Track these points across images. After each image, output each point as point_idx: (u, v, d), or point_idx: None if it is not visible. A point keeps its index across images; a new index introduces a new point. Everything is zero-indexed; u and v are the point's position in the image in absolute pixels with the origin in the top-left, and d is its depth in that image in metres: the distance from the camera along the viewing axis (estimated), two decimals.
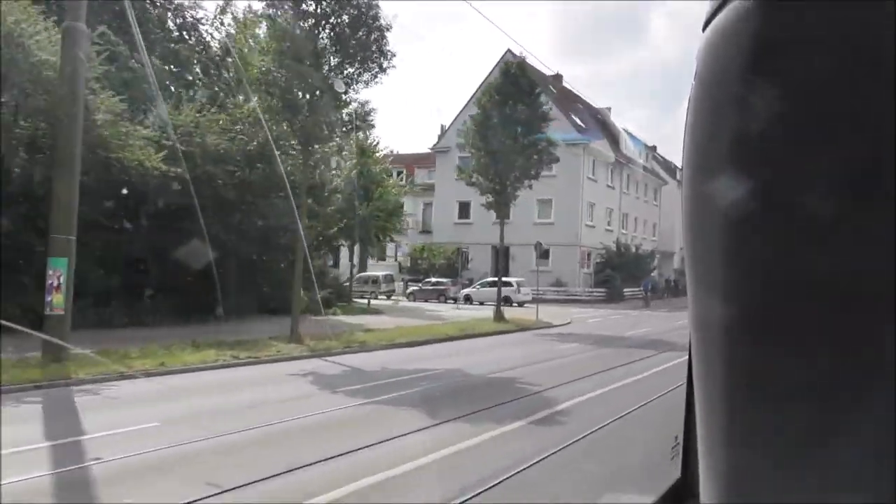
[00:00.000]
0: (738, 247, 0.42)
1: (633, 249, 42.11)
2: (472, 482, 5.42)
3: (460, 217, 42.66)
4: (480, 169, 21.83)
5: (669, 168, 60.89)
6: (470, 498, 5.07)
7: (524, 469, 5.80)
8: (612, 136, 47.19)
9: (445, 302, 34.90)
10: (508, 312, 24.14)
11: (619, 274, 40.35)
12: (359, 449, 6.47)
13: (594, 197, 41.29)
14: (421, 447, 6.50)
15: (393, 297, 37.48)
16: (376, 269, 39.84)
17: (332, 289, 29.99)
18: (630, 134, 50.53)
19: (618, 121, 62.06)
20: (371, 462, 6.07)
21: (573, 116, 41.55)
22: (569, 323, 23.44)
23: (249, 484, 5.32)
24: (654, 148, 65.45)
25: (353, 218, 23.63)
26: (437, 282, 36.61)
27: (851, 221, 0.38)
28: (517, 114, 21.62)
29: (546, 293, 37.98)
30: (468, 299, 34.81)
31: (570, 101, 44.62)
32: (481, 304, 33.66)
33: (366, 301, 34.36)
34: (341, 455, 6.24)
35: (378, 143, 35.00)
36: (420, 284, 36.78)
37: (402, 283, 39.34)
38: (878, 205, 0.37)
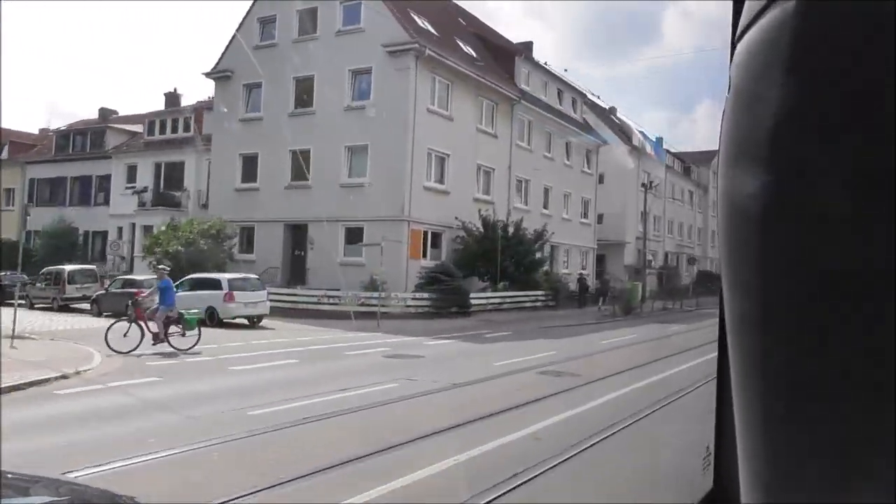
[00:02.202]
0: (776, 246, 0.42)
1: (512, 229, 26.27)
2: None
3: (244, 180, 27.16)
4: None
5: (611, 121, 45.05)
6: None
7: None
8: (503, 62, 31.39)
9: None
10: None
11: (480, 267, 24.69)
12: None
13: (443, 142, 25.57)
14: None
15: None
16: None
17: None
18: (548, 69, 34.77)
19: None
20: None
21: (412, 14, 25.84)
22: None
23: None
24: (612, 109, 49.70)
25: None
26: (128, 281, 21.01)
27: (892, 219, 0.38)
28: None
29: (338, 301, 22.41)
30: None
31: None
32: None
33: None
34: None
35: None
36: (107, 287, 21.34)
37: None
38: None
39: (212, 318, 18.16)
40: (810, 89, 0.41)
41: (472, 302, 23.57)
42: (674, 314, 29.55)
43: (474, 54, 29.14)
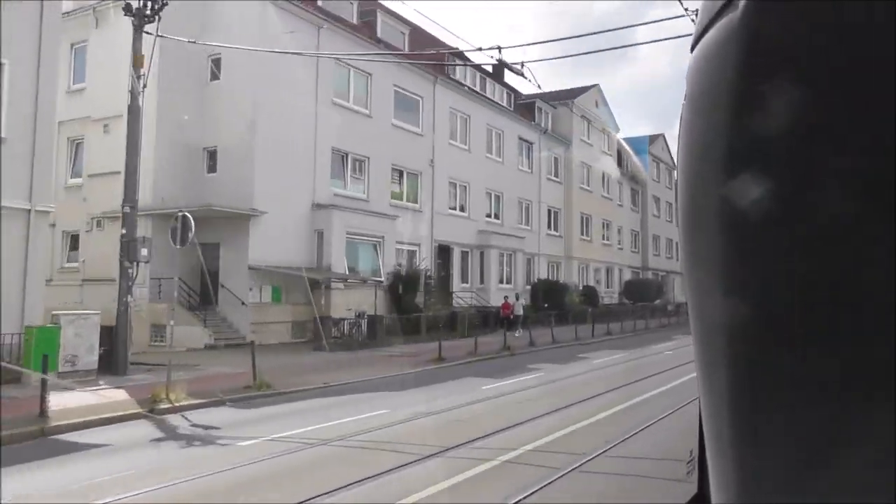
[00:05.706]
0: (736, 253, 0.43)
1: None
2: None
3: None
4: None
5: None
6: None
7: None
8: None
9: None
10: None
11: None
12: None
13: None
14: None
15: None
16: None
17: None
18: None
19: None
20: None
21: None
22: None
23: None
24: None
25: None
26: None
27: (851, 225, 0.38)
28: None
29: None
30: None
31: None
32: None
33: None
34: None
35: None
36: None
37: None
38: (878, 208, 0.37)
39: None
40: (761, 91, 0.40)
41: None
42: None
43: None
